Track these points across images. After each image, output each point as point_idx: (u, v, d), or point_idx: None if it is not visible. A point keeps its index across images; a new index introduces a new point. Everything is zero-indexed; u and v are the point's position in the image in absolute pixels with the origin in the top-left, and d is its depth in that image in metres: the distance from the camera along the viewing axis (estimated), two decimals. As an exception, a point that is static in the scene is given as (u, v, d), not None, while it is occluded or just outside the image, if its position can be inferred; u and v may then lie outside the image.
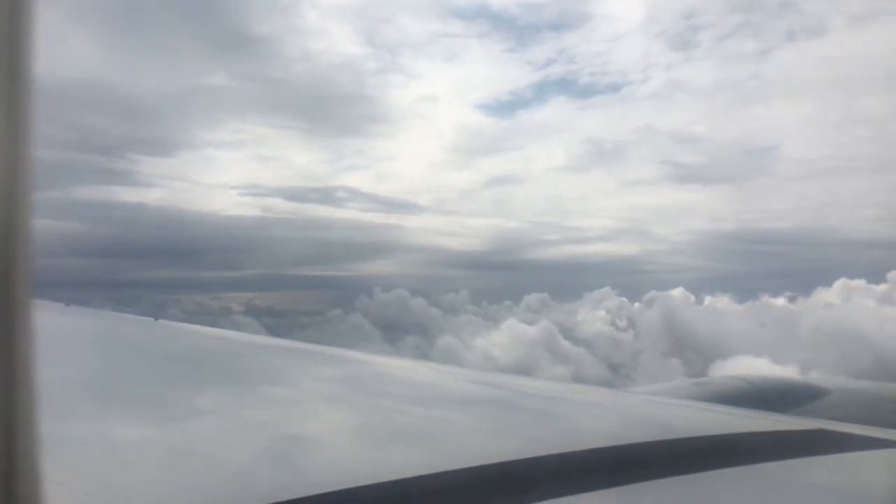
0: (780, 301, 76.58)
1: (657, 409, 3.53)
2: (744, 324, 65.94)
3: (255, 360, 3.83)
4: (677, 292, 79.59)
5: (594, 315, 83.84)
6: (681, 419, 3.14)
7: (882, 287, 73.43)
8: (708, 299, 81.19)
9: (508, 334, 70.85)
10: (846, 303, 67.86)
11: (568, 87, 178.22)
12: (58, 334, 3.58)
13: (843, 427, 2.75)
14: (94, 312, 5.15)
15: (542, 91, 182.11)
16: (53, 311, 4.46)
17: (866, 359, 43.95)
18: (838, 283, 75.23)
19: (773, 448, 2.36)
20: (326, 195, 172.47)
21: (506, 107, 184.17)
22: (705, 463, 2.00)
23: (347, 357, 4.37)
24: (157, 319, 4.76)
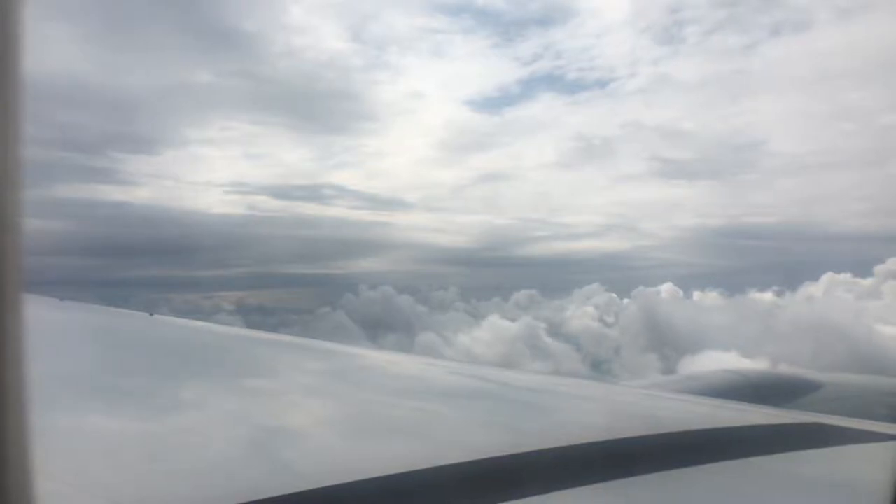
0: (768, 296, 76.48)
1: (652, 402, 3.52)
2: (729, 319, 65.71)
3: (251, 354, 3.83)
4: (666, 288, 79.52)
5: (582, 311, 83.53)
6: (676, 413, 3.14)
7: (868, 281, 73.50)
8: (696, 294, 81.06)
9: (491, 331, 70.53)
10: (828, 297, 67.86)
11: (555, 82, 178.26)
12: (56, 329, 3.64)
13: (839, 421, 2.74)
14: (89, 308, 5.15)
15: (529, 87, 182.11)
16: (49, 306, 4.49)
17: (843, 352, 43.76)
18: (825, 278, 75.27)
19: (768, 442, 2.36)
20: (313, 193, 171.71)
21: (493, 103, 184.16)
22: (701, 457, 1.99)
23: (341, 352, 4.37)
24: (151, 315, 4.81)
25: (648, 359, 59.66)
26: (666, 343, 60.40)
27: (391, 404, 2.71)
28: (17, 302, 0.76)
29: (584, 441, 2.05)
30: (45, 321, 3.64)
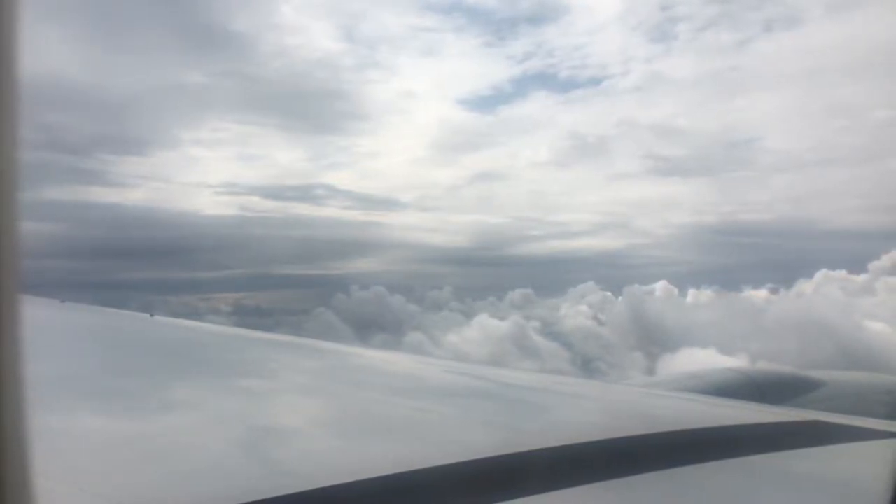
0: (762, 293, 76.22)
1: (652, 401, 3.53)
2: (719, 317, 65.48)
3: (252, 355, 3.87)
4: (660, 286, 79.34)
5: (576, 310, 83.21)
6: (677, 412, 3.16)
7: (863, 277, 73.34)
8: (691, 292, 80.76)
9: (480, 330, 70.34)
10: (819, 294, 67.78)
11: (548, 81, 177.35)
12: (61, 330, 3.71)
13: (838, 418, 2.76)
14: (90, 309, 5.23)
15: (522, 85, 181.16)
16: (50, 308, 4.55)
17: (832, 349, 43.64)
18: (819, 275, 75.03)
19: (769, 440, 2.38)
20: (306, 193, 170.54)
21: (486, 102, 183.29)
22: (702, 455, 1.99)
23: (341, 351, 4.43)
24: (152, 316, 4.88)
25: (635, 357, 59.55)
26: (654, 341, 60.16)
27: (385, 403, 2.72)
28: (15, 304, 0.76)
29: (584, 440, 2.05)
30: (49, 323, 3.71)
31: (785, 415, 3.13)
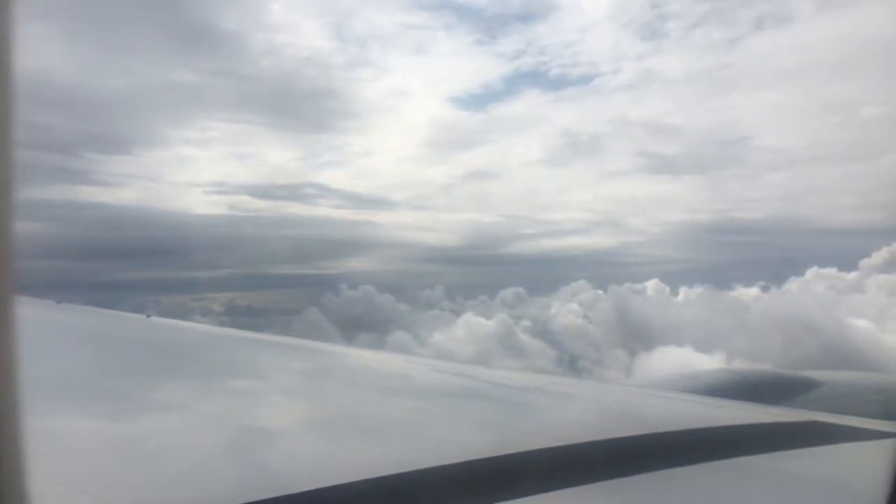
0: (753, 291, 75.79)
1: (649, 401, 3.50)
2: (706, 315, 65.03)
3: (251, 355, 3.89)
4: (652, 284, 78.95)
5: (567, 308, 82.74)
6: (674, 412, 3.13)
7: (853, 275, 73.03)
8: (682, 291, 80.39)
9: (466, 329, 69.74)
10: (805, 292, 67.41)
11: (539, 79, 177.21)
12: (62, 331, 3.76)
13: (835, 419, 2.75)
14: (86, 310, 5.26)
15: (513, 83, 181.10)
16: (48, 308, 4.58)
17: (815, 347, 43.22)
18: (810, 273, 74.68)
19: (765, 440, 2.36)
20: (296, 192, 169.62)
21: (478, 100, 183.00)
22: (698, 455, 1.97)
23: (331, 351, 4.44)
24: (148, 317, 4.90)
25: (619, 355, 59.06)
26: (640, 339, 59.61)
27: (373, 403, 2.71)
28: (11, 304, 0.75)
29: (580, 440, 2.04)
30: (48, 324, 3.74)
31: (780, 415, 3.11)
